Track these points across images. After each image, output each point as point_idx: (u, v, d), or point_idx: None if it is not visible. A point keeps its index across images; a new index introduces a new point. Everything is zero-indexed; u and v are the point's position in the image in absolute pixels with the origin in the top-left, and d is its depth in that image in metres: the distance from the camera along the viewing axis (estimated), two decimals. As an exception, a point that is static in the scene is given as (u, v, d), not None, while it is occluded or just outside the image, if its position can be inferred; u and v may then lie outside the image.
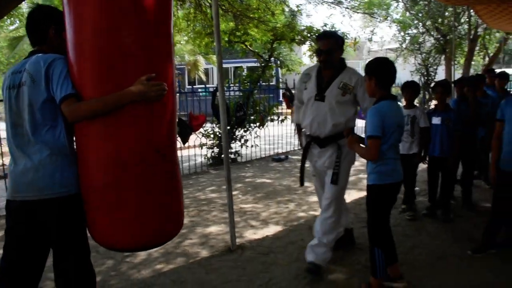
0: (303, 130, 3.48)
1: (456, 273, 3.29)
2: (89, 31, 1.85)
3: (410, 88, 4.48)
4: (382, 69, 2.82)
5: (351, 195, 5.54)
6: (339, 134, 3.19)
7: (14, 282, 2.04)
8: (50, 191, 1.96)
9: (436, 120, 4.40)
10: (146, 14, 1.88)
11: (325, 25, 9.25)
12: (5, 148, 5.11)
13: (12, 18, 7.24)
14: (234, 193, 5.75)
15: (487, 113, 4.97)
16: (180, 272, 3.38)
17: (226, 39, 8.82)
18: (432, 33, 12.45)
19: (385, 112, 2.76)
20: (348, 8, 9.57)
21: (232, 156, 8.20)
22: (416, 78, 13.28)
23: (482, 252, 3.57)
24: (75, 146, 2.06)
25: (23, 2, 6.02)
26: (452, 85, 5.90)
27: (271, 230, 4.32)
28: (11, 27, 17.18)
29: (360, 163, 7.87)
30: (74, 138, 2.05)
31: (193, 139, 7.34)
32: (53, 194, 1.97)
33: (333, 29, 9.25)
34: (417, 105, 4.70)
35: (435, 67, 12.74)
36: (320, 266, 3.23)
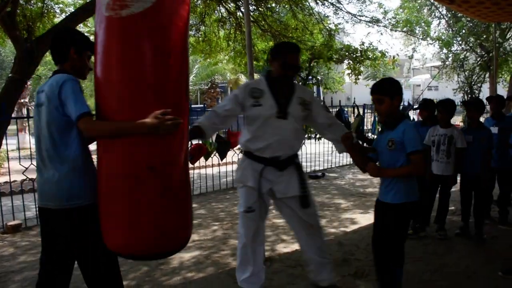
0: (253, 152, 3.00)
1: (485, 293, 3.26)
2: (113, 62, 2.03)
3: (445, 108, 4.42)
4: (401, 88, 2.75)
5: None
6: (296, 154, 3.06)
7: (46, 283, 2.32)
8: (68, 202, 2.17)
9: (468, 139, 4.36)
10: (165, 51, 2.04)
11: (363, 43, 9.31)
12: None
13: None
14: (267, 208, 5.89)
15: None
16: (209, 280, 3.54)
17: (265, 58, 9.08)
18: (475, 50, 12.20)
19: (414, 127, 2.78)
20: (386, 27, 9.60)
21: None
22: (459, 96, 13.02)
23: None
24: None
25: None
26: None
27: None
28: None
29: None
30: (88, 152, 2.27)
31: (231, 155, 7.55)
32: (71, 205, 2.17)
33: (371, 47, 9.32)
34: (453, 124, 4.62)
35: (479, 84, 12.43)
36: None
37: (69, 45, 2.29)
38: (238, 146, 3.66)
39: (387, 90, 2.72)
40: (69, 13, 7.45)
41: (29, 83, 14.91)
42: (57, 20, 7.91)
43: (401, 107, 10.55)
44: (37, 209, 2.44)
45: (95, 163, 2.21)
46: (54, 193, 2.18)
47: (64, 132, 2.17)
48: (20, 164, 5.20)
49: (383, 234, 2.84)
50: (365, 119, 10.69)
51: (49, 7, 7.81)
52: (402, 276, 2.81)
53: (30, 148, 5.78)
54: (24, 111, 14.67)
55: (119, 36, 1.99)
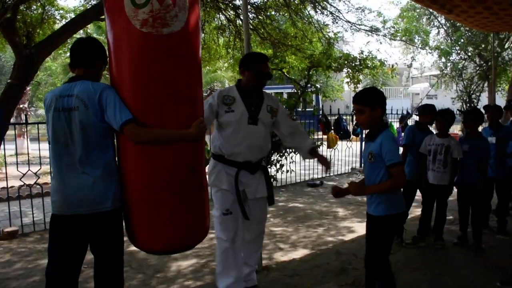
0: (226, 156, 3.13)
1: (482, 303, 3.25)
2: (154, 77, 2.20)
3: (444, 117, 4.43)
4: (383, 99, 2.71)
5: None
6: (263, 158, 3.27)
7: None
8: (102, 206, 2.22)
9: (465, 148, 4.37)
10: (195, 66, 2.34)
11: (362, 52, 9.34)
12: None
13: (67, 45, 8.03)
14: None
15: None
16: (206, 289, 3.53)
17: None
18: (474, 59, 12.25)
19: (394, 137, 2.74)
20: (385, 36, 9.64)
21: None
22: (457, 105, 13.06)
23: (511, 284, 3.49)
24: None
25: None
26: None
27: (299, 253, 4.39)
28: (67, 54, 18.34)
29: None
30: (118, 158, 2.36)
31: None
32: (105, 208, 2.23)
33: (370, 56, 9.35)
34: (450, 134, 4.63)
35: (478, 94, 12.48)
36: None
37: (99, 54, 2.39)
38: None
39: (367, 101, 2.69)
40: (69, 19, 7.46)
41: (28, 88, 14.94)
42: (57, 26, 7.92)
43: (400, 115, 10.66)
44: (41, 215, 2.47)
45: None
46: (85, 198, 2.21)
47: (102, 137, 2.24)
48: (17, 170, 5.19)
49: (368, 246, 2.83)
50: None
51: (49, 13, 7.83)
52: None
53: (28, 154, 5.76)
54: (23, 116, 14.69)
55: (162, 53, 2.16)
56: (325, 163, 3.40)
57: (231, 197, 3.10)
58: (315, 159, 3.43)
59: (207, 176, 3.10)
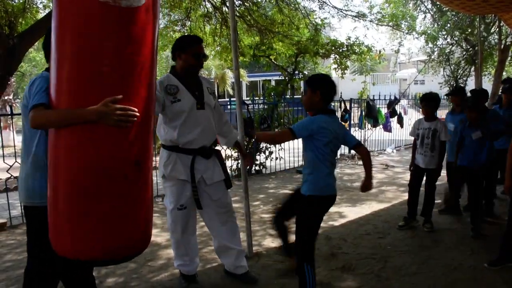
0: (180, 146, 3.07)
1: (471, 285, 3.30)
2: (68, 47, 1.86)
3: (429, 101, 4.47)
4: (326, 84, 2.83)
5: (372, 207, 5.57)
6: (215, 142, 3.29)
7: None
8: (31, 200, 2.21)
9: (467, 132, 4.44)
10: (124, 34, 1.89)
11: (349, 38, 9.33)
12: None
13: None
14: (256, 203, 5.89)
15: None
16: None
17: (251, 53, 9.06)
18: (461, 44, 12.31)
19: (318, 122, 2.74)
20: (372, 21, 9.62)
21: (257, 168, 8.34)
22: (445, 90, 13.14)
23: (498, 265, 3.54)
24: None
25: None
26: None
27: (289, 239, 4.40)
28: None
29: (385, 175, 7.88)
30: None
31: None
32: (33, 203, 2.20)
33: (357, 42, 9.35)
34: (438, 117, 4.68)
35: (464, 78, 12.56)
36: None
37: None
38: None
39: (311, 83, 2.86)
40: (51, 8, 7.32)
41: (12, 80, 14.70)
42: (40, 15, 7.77)
43: (388, 101, 10.71)
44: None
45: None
46: (21, 189, 2.25)
47: (30, 128, 2.11)
48: (4, 162, 5.12)
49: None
50: (352, 114, 10.75)
51: (32, 2, 7.68)
52: (312, 273, 2.75)
53: (15, 146, 5.69)
54: (8, 108, 14.48)
55: (117, 26, 1.86)
56: (246, 157, 3.66)
57: (187, 190, 3.08)
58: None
59: (162, 168, 3.10)
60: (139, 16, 1.91)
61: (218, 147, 3.38)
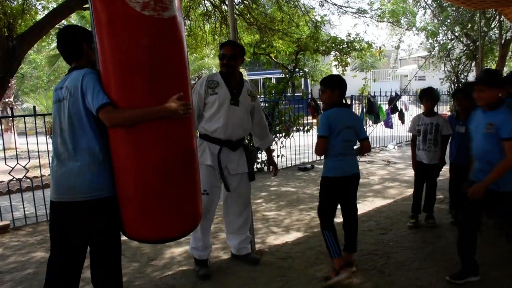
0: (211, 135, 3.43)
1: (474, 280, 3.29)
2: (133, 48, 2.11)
3: (428, 96, 4.46)
4: (343, 83, 3.35)
5: (374, 203, 5.58)
6: (244, 137, 3.59)
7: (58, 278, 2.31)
8: (89, 194, 2.19)
9: (461, 129, 4.36)
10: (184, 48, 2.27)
11: (349, 34, 9.31)
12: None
13: (51, 37, 7.91)
14: (258, 201, 5.90)
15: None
16: (200, 275, 3.54)
17: (251, 51, 9.04)
18: (461, 39, 12.27)
19: (328, 115, 3.28)
20: (372, 18, 9.60)
21: (259, 165, 8.35)
22: (446, 86, 13.13)
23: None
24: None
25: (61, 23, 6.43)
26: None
27: (292, 236, 4.42)
28: (51, 47, 18.08)
29: (387, 172, 7.88)
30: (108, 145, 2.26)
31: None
32: (92, 197, 2.20)
33: (358, 38, 9.33)
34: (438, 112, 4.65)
35: (465, 73, 12.53)
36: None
37: (81, 40, 2.34)
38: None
39: (329, 83, 3.34)
40: (51, 9, 7.32)
41: (13, 82, 14.71)
42: (39, 17, 7.77)
43: (389, 97, 10.70)
44: (45, 205, 2.47)
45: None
46: (72, 186, 2.20)
47: (86, 125, 2.19)
48: (6, 165, 5.14)
49: None
50: (353, 110, 10.74)
51: (31, 4, 7.67)
52: (331, 237, 3.39)
53: (16, 148, 5.70)
54: (9, 111, 14.48)
55: (164, 37, 2.14)
56: (273, 164, 3.88)
57: (212, 178, 3.41)
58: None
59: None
60: (176, 22, 2.20)
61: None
